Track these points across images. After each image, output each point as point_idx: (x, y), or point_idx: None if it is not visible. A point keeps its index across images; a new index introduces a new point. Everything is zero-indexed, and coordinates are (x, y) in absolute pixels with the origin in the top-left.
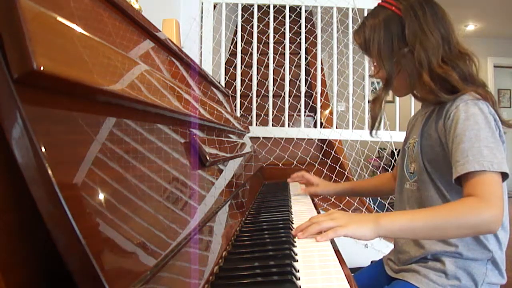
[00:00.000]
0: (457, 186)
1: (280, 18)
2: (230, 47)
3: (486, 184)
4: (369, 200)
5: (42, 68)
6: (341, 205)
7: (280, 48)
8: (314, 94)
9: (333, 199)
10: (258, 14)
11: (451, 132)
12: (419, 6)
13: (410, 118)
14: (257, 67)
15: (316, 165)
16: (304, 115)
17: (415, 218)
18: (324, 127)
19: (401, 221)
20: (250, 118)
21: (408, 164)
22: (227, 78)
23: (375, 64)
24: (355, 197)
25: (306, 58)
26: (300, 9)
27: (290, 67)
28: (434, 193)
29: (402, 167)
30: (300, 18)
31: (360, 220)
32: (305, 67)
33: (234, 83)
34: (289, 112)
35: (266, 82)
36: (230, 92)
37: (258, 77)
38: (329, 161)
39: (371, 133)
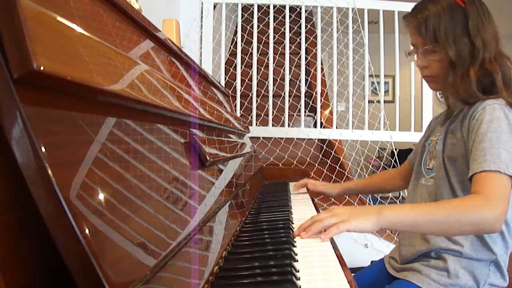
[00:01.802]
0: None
1: (280, 18)
2: (230, 47)
3: (495, 184)
4: (369, 200)
5: (42, 68)
6: (341, 205)
7: (280, 48)
8: (314, 94)
9: (333, 199)
10: (258, 14)
11: (474, 131)
12: (479, 1)
13: (434, 116)
14: (257, 67)
15: (316, 165)
16: (304, 115)
17: (418, 211)
18: (324, 127)
19: (404, 213)
20: (250, 118)
21: (426, 160)
22: (227, 78)
23: (421, 52)
24: (355, 197)
25: (306, 58)
26: (300, 9)
27: (290, 67)
28: (448, 191)
29: (420, 163)
30: (300, 18)
31: (362, 213)
32: (305, 67)
33: (234, 83)
34: (289, 112)
35: (266, 82)
36: (230, 92)
37: (258, 77)
38: (329, 161)
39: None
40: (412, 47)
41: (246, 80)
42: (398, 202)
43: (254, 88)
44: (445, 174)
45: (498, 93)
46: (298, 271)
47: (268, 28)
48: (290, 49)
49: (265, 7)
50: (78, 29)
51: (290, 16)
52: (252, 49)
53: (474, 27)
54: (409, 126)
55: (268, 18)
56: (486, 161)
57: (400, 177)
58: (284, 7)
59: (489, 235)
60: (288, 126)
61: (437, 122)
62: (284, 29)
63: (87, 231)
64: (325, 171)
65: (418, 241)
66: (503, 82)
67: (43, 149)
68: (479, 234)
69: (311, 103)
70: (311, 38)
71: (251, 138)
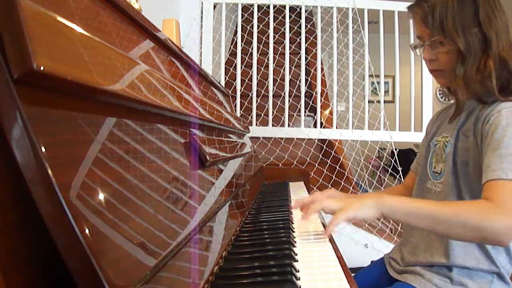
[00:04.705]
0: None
1: (280, 18)
2: (230, 47)
3: (509, 193)
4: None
5: (42, 68)
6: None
7: (280, 48)
8: (314, 94)
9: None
10: (258, 14)
11: (488, 136)
12: None
13: (437, 112)
14: (257, 67)
15: (316, 165)
16: (304, 115)
17: (421, 206)
18: (324, 127)
19: (406, 204)
20: (250, 118)
21: (433, 162)
22: (227, 78)
23: (428, 44)
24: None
25: (306, 58)
26: (300, 9)
27: (290, 67)
28: (455, 199)
29: (425, 164)
30: (300, 18)
31: (361, 200)
32: (305, 67)
33: (234, 83)
34: (289, 112)
35: (266, 82)
36: (230, 92)
37: (258, 77)
38: (329, 161)
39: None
40: (418, 40)
41: (246, 80)
42: None
43: (254, 88)
44: (454, 181)
45: None
46: (298, 271)
47: (268, 28)
48: (290, 49)
49: (265, 7)
50: (78, 29)
51: (290, 16)
52: (252, 49)
53: (485, 17)
54: (409, 126)
55: (268, 18)
56: (502, 168)
57: (406, 191)
58: (284, 7)
59: (494, 248)
60: (288, 126)
61: (441, 120)
62: (284, 29)
63: (87, 231)
64: (325, 171)
65: (421, 252)
66: None
67: (43, 149)
68: (481, 243)
69: (311, 103)
70: (311, 38)
71: (251, 138)
